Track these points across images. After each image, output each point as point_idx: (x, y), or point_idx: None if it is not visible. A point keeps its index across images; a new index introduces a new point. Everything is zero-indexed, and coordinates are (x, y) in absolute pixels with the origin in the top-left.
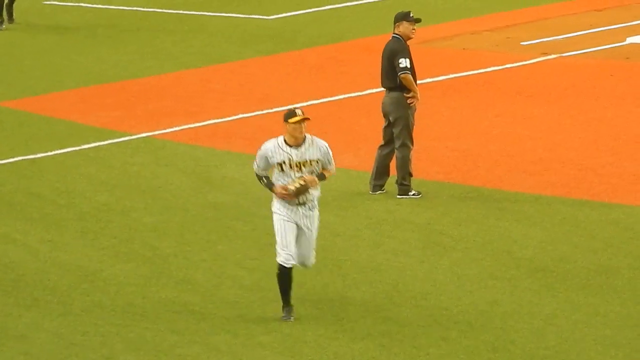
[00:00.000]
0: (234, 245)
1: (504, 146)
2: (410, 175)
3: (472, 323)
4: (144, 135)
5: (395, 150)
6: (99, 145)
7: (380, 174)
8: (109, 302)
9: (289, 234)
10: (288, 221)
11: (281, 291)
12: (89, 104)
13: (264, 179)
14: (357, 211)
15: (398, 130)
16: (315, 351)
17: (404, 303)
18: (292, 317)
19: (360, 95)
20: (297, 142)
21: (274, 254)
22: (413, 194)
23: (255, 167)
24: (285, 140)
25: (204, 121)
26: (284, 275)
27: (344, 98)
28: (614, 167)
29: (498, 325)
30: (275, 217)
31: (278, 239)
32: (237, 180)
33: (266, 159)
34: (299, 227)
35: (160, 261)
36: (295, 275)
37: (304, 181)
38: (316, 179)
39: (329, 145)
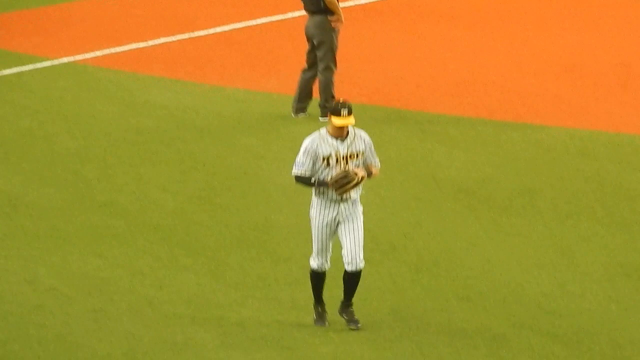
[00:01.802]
0: (158, 169)
1: (427, 69)
2: (333, 97)
3: (395, 244)
4: (66, 60)
5: (319, 74)
6: (21, 71)
7: (303, 97)
8: (32, 226)
9: (326, 239)
10: (326, 227)
11: (313, 290)
12: (10, 30)
13: (312, 180)
14: (280, 134)
15: (322, 54)
16: (239, 274)
17: None
18: (325, 322)
19: (283, 19)
20: (342, 134)
21: (198, 177)
22: None
23: (296, 170)
24: (328, 132)
25: (126, 45)
26: (318, 279)
27: (267, 22)
28: (537, 89)
29: (421, 247)
30: (313, 219)
31: (315, 244)
32: (160, 104)
33: (312, 154)
34: (341, 223)
35: (83, 185)
36: (221, 200)
37: (352, 175)
38: (365, 175)
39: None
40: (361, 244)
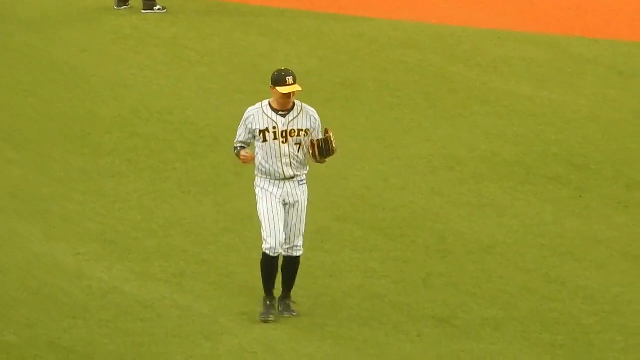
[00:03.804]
0: None
1: None
2: None
3: (218, 137)
4: None
5: None
6: None
7: None
8: None
9: (276, 218)
10: (275, 202)
11: (264, 280)
12: None
13: (237, 148)
14: (103, 27)
15: None
16: (63, 167)
17: (150, 118)
18: (272, 315)
19: None
20: (284, 107)
21: (22, 70)
22: (158, 9)
23: (235, 140)
24: (270, 105)
25: None
26: (269, 265)
27: None
28: None
29: None
30: (259, 196)
31: (263, 223)
32: None
33: (249, 125)
34: (285, 205)
35: None
36: (45, 93)
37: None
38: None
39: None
40: (301, 231)
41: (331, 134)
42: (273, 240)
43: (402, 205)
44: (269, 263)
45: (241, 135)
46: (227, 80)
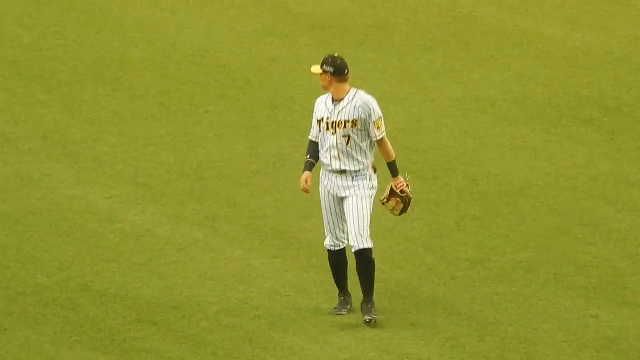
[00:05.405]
0: (12, 3)
1: None
2: None
3: (250, 80)
4: None
5: None
6: None
7: None
8: None
9: (329, 213)
10: (328, 196)
11: (333, 276)
12: None
13: (307, 156)
14: None
15: None
16: (94, 109)
17: (182, 60)
18: (345, 310)
19: None
20: (337, 96)
21: (52, 12)
22: None
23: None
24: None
25: None
26: (332, 259)
27: None
28: None
29: (277, 82)
30: (320, 191)
31: (324, 219)
32: None
33: (314, 114)
34: (344, 200)
35: None
36: (76, 35)
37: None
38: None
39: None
40: (364, 222)
41: (408, 191)
42: (330, 238)
43: (435, 147)
44: (331, 258)
45: (314, 128)
46: (259, 22)
